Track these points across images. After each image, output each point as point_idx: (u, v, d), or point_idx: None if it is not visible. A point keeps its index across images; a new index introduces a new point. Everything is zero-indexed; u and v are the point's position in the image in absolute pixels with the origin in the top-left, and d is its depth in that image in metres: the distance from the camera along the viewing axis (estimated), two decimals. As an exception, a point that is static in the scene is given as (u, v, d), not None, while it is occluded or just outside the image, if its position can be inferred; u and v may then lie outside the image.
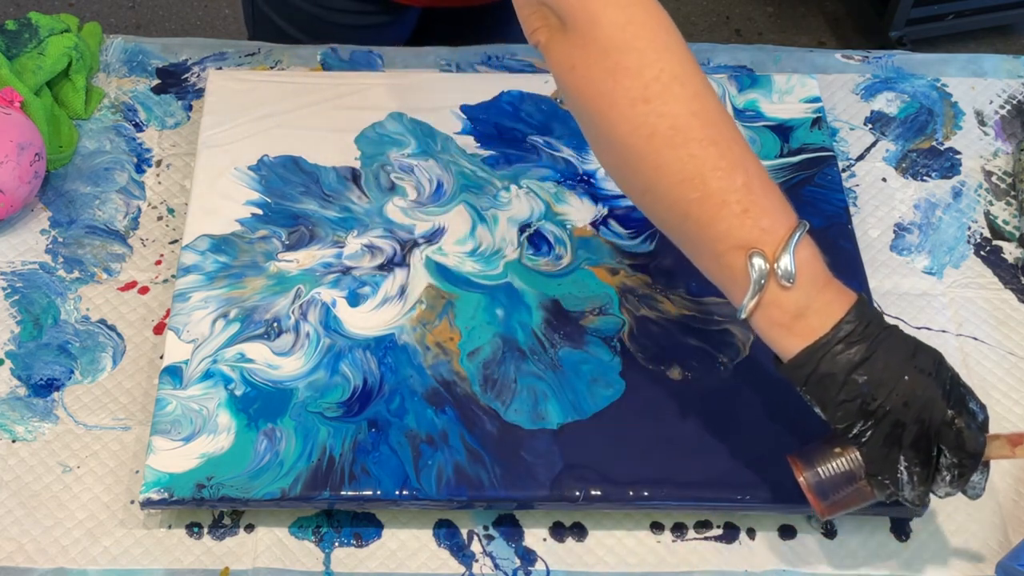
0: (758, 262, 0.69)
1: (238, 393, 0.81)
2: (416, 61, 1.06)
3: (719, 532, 0.80)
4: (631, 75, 0.69)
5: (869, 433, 0.70)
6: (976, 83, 1.07)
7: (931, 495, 0.72)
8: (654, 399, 0.82)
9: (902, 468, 0.70)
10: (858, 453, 0.72)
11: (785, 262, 0.68)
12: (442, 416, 0.81)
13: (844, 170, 1.00)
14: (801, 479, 0.74)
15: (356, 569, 0.78)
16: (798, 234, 0.69)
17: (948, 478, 0.71)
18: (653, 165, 0.70)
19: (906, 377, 0.69)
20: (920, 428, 0.69)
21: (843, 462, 0.73)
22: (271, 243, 0.90)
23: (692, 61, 0.71)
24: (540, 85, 1.01)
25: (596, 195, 0.94)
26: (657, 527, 0.80)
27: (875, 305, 0.88)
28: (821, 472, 0.73)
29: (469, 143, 0.97)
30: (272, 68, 1.05)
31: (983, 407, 0.72)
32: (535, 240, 0.91)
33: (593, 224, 0.92)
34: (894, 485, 0.71)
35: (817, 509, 0.74)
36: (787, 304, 0.69)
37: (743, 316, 0.71)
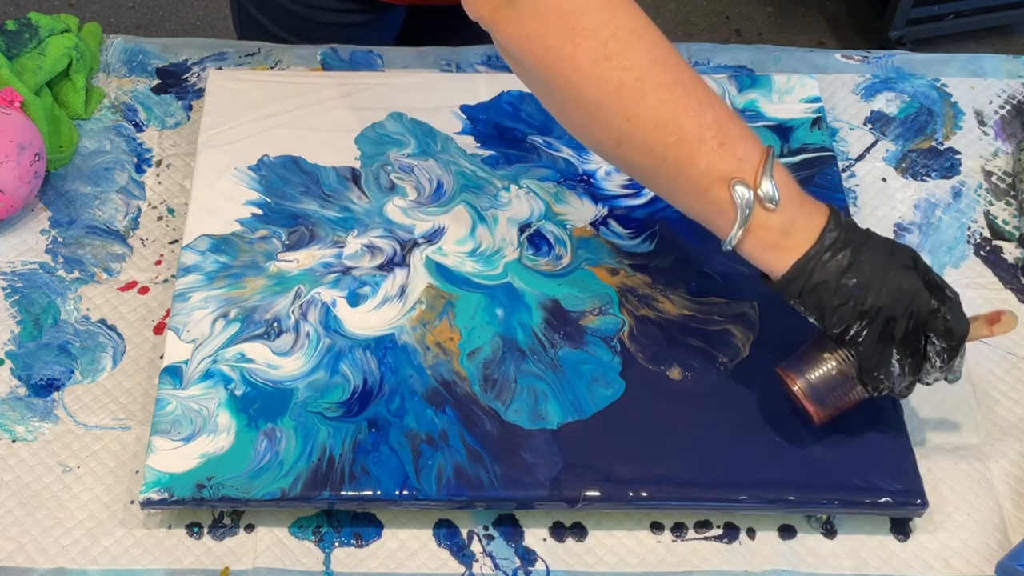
0: (742, 191, 0.72)
1: (238, 393, 0.81)
2: (416, 61, 1.06)
3: (719, 532, 0.80)
4: (589, 35, 0.71)
5: (864, 333, 0.74)
6: (976, 83, 1.07)
7: (918, 384, 0.77)
8: (654, 399, 0.82)
9: (895, 361, 0.75)
10: (844, 354, 0.76)
11: (767, 186, 0.72)
12: (442, 416, 0.81)
13: (844, 170, 1.00)
14: (796, 389, 0.77)
15: (356, 569, 0.78)
16: (772, 157, 0.73)
17: (938, 364, 0.75)
18: (625, 117, 0.72)
19: (890, 274, 0.73)
20: (910, 320, 0.73)
21: (832, 365, 0.77)
22: (271, 243, 0.90)
23: (642, 13, 0.74)
24: (540, 85, 1.01)
25: (596, 195, 0.94)
26: (657, 527, 0.80)
27: None
28: (813, 379, 0.77)
29: (469, 143, 0.97)
30: (272, 68, 1.05)
31: (956, 293, 0.76)
32: (535, 240, 0.91)
33: (593, 224, 0.92)
34: (887, 379, 0.75)
35: (814, 415, 0.77)
36: (773, 225, 0.73)
37: (732, 246, 0.74)
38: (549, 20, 0.72)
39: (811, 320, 0.76)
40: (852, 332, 0.74)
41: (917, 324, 0.74)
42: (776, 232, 0.74)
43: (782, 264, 0.74)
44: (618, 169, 0.88)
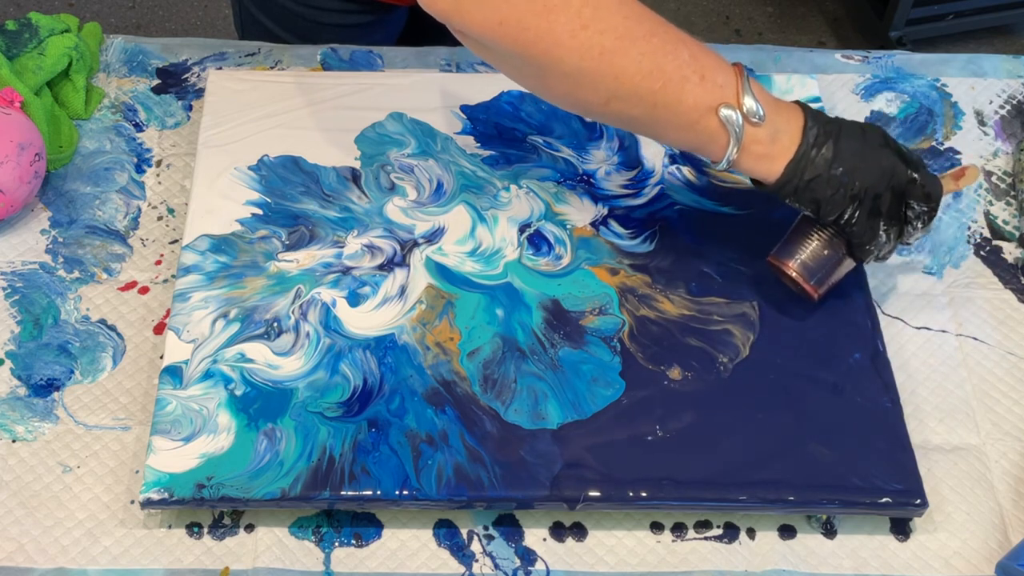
0: (730, 114, 0.77)
1: (238, 393, 0.81)
2: (416, 61, 1.06)
3: (719, 532, 0.80)
4: (561, 9, 0.73)
5: (856, 214, 0.81)
6: (976, 83, 1.07)
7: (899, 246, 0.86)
8: (654, 399, 0.82)
9: (882, 232, 0.82)
10: (827, 232, 0.84)
11: (750, 103, 0.77)
12: (442, 416, 0.81)
13: (844, 170, 1.00)
14: (792, 272, 0.84)
15: (356, 569, 0.78)
16: (746, 75, 0.78)
17: (919, 225, 0.83)
18: (612, 76, 0.75)
19: (870, 155, 0.80)
20: (893, 193, 0.81)
21: (819, 244, 0.84)
22: (271, 243, 0.90)
23: None
24: (540, 85, 1.01)
25: (596, 195, 0.94)
26: (657, 527, 0.80)
27: (875, 304, 0.89)
28: (805, 260, 0.84)
29: (469, 143, 0.97)
30: (272, 68, 1.05)
31: (919, 157, 0.84)
32: (535, 240, 0.91)
33: (593, 224, 0.92)
34: (876, 249, 0.83)
35: (810, 292, 0.85)
36: (762, 137, 0.79)
37: (726, 166, 0.79)
38: (520, 3, 0.74)
39: (806, 212, 0.82)
40: (846, 216, 0.81)
41: (898, 195, 0.81)
42: (765, 143, 0.79)
43: (775, 170, 0.80)
44: (607, 126, 0.95)
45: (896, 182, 0.81)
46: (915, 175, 0.81)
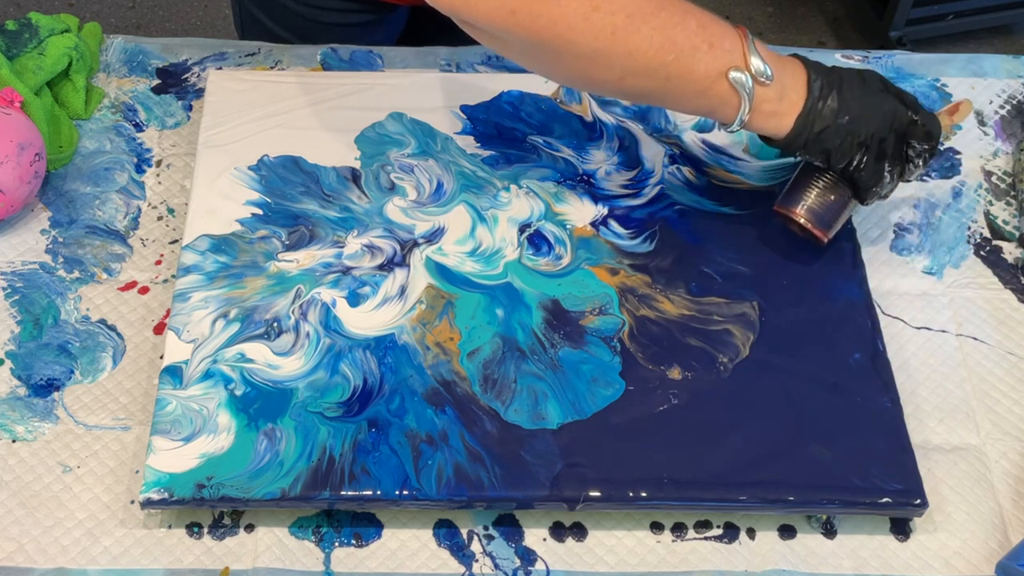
0: (740, 77, 0.79)
1: (238, 393, 0.81)
2: (416, 61, 1.06)
3: (719, 532, 0.80)
4: None
5: (864, 160, 0.84)
6: (976, 83, 1.07)
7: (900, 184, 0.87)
8: (654, 399, 0.82)
9: (886, 174, 0.85)
10: (829, 177, 0.86)
11: (757, 64, 0.80)
12: (442, 416, 0.81)
13: (844, 170, 1.00)
14: (800, 219, 0.87)
15: (356, 569, 0.78)
16: (751, 37, 0.81)
17: (920, 163, 0.85)
18: (625, 53, 0.77)
19: (872, 102, 0.83)
20: (896, 136, 0.84)
21: (824, 190, 0.87)
22: (271, 243, 0.90)
23: None
24: (540, 85, 1.01)
25: (596, 195, 0.94)
26: (657, 527, 0.80)
27: (875, 304, 0.89)
28: (812, 205, 0.87)
29: (469, 143, 0.97)
30: (272, 68, 1.05)
31: (914, 96, 0.86)
32: (535, 240, 0.91)
33: (593, 224, 0.92)
34: (880, 190, 0.86)
35: (819, 237, 0.88)
36: (771, 95, 0.81)
37: (739, 126, 0.82)
38: None
39: (816, 163, 0.85)
40: (855, 163, 0.84)
41: (900, 136, 0.84)
42: (774, 100, 0.81)
43: (785, 125, 0.82)
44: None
45: (898, 124, 0.83)
46: (915, 116, 0.84)
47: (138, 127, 1.00)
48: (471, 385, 0.83)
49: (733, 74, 0.79)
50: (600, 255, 0.90)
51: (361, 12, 1.12)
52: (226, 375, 0.82)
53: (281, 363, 0.83)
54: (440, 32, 1.12)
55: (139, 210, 0.95)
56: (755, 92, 0.80)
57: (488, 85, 1.01)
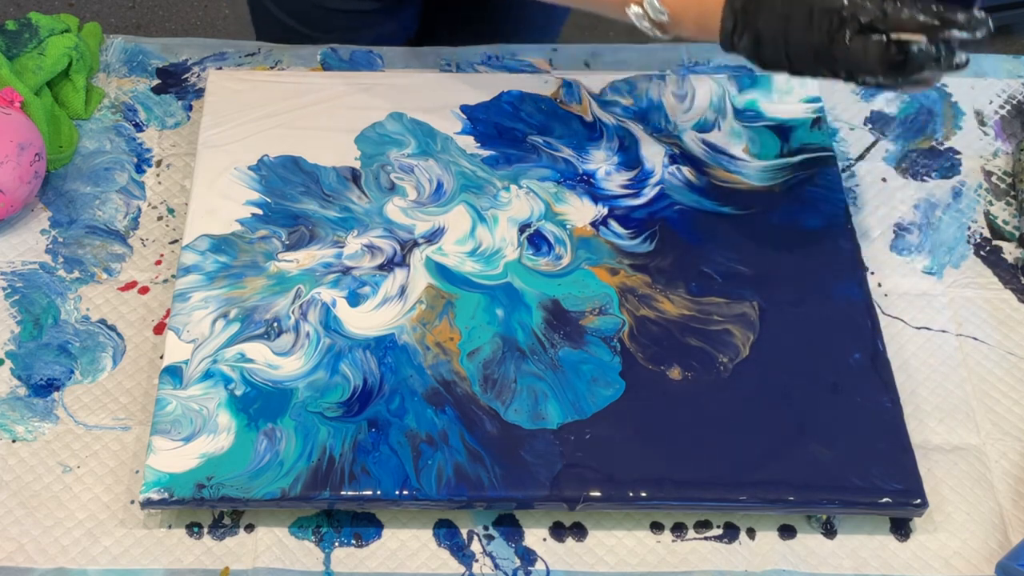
0: (638, 11, 0.82)
1: (238, 393, 0.81)
2: (416, 61, 1.06)
3: (719, 532, 0.80)
4: None
5: (848, 33, 0.76)
6: (976, 83, 1.07)
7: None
8: (654, 399, 0.82)
9: (863, 49, 0.76)
10: None
11: (653, 3, 0.81)
12: (442, 416, 0.81)
13: (844, 170, 1.00)
14: None
15: (356, 569, 0.78)
16: None
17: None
18: None
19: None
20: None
21: None
22: (271, 243, 0.90)
23: None
24: (540, 85, 1.01)
25: (596, 195, 0.94)
26: (657, 527, 0.80)
27: (875, 304, 0.88)
28: None
29: (469, 143, 0.97)
30: (272, 68, 1.05)
31: None
32: (535, 240, 0.91)
33: (593, 224, 0.92)
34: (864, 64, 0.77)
35: None
36: (687, 20, 0.81)
37: (669, 40, 0.83)
38: None
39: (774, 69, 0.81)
40: (835, 37, 0.76)
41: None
42: (692, 21, 0.81)
43: (714, 6, 0.79)
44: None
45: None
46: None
47: (138, 127, 1.00)
48: (471, 385, 0.83)
49: (631, 8, 0.82)
50: (600, 255, 0.90)
51: None
52: (226, 375, 0.82)
53: (281, 363, 0.83)
54: (446, 32, 1.12)
55: (139, 210, 0.95)
56: (666, 20, 0.81)
57: (488, 85, 1.01)
